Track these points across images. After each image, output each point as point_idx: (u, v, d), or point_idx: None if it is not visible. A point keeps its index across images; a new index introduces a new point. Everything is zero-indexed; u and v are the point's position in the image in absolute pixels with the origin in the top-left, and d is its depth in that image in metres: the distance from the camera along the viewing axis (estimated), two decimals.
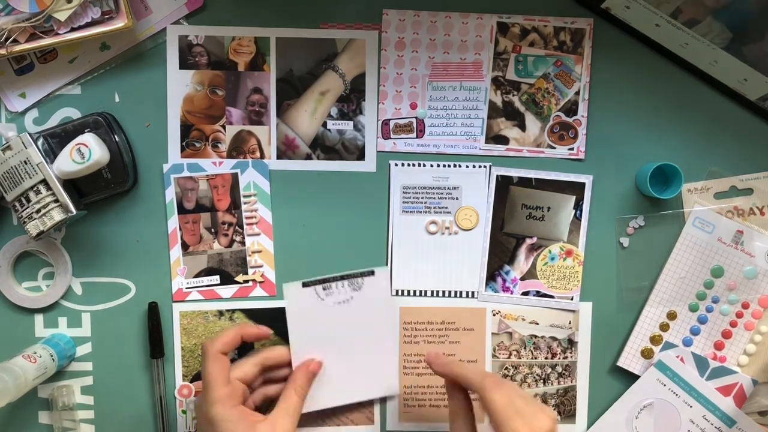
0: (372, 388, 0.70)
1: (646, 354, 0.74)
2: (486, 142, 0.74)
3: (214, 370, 0.62)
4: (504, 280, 0.74)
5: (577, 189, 0.74)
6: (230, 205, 0.73)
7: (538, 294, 0.74)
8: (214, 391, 0.62)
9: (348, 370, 0.69)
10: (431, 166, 0.74)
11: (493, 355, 0.74)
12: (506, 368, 0.74)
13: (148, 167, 0.73)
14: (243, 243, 0.73)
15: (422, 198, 0.74)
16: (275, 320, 0.73)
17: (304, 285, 0.67)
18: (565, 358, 0.75)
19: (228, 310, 0.74)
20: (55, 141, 0.68)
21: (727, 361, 0.73)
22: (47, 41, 0.68)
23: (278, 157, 0.73)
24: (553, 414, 0.58)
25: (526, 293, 0.74)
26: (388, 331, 0.70)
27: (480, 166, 0.74)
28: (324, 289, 0.67)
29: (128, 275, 0.74)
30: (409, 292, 0.74)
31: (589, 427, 0.75)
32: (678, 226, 0.74)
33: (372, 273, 0.68)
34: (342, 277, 0.68)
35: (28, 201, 0.67)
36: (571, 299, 0.74)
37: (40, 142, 0.67)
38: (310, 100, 0.73)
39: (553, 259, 0.74)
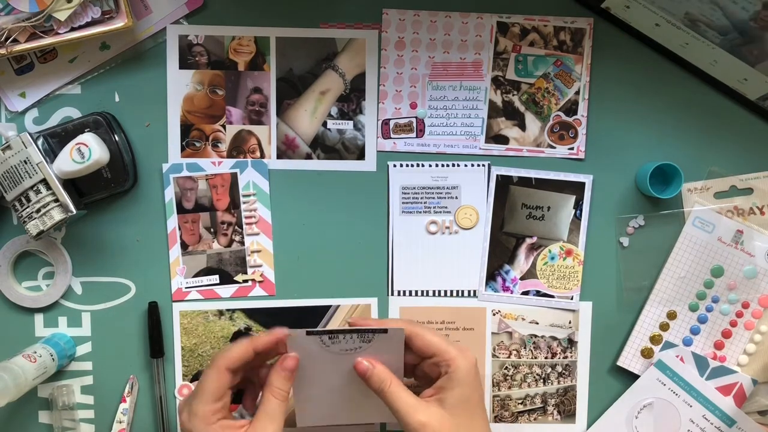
0: (371, 417, 0.67)
1: (646, 353, 0.74)
2: (486, 142, 0.74)
3: (211, 384, 0.60)
4: (504, 280, 0.74)
5: (577, 189, 0.74)
6: (229, 205, 0.73)
7: (538, 294, 0.74)
8: (201, 404, 0.59)
9: (348, 406, 0.66)
10: (429, 166, 0.74)
11: (493, 355, 0.74)
12: (506, 368, 0.74)
13: (148, 167, 0.73)
14: (242, 243, 0.73)
15: (421, 198, 0.74)
16: (275, 320, 0.74)
17: (309, 333, 0.61)
18: (565, 357, 0.75)
19: (228, 310, 0.74)
20: (55, 141, 0.68)
21: (727, 360, 0.73)
22: (47, 41, 0.68)
23: (278, 157, 0.73)
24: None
25: (526, 293, 0.74)
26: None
27: (478, 165, 0.74)
28: (330, 338, 0.62)
29: (128, 275, 0.74)
30: (409, 292, 0.74)
31: (589, 426, 0.75)
32: (678, 226, 0.74)
33: (385, 331, 0.62)
34: (351, 331, 0.62)
35: (28, 200, 0.67)
36: (571, 299, 0.74)
37: (40, 142, 0.67)
38: (310, 99, 0.73)
39: (553, 258, 0.74)
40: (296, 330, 0.61)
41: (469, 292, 0.75)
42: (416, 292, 0.74)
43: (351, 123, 0.74)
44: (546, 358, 0.74)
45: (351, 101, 0.73)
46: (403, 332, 0.62)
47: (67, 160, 0.66)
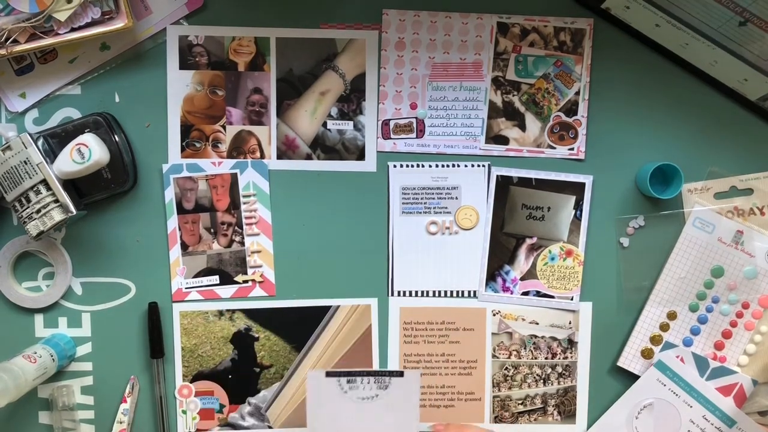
0: None
1: (646, 354, 0.74)
2: (486, 142, 0.74)
3: None
4: (504, 280, 0.74)
5: (577, 189, 0.74)
6: (229, 205, 0.73)
7: (538, 294, 0.74)
8: None
9: None
10: (429, 166, 0.74)
11: (493, 355, 0.74)
12: (506, 368, 0.74)
13: (148, 167, 0.73)
14: (242, 243, 0.73)
15: (422, 198, 0.74)
16: (274, 320, 0.74)
17: (328, 375, 0.65)
18: (565, 358, 0.75)
19: (228, 310, 0.74)
20: (55, 141, 0.68)
21: (727, 361, 0.73)
22: (47, 41, 0.68)
23: (278, 157, 0.73)
24: None
25: (526, 293, 0.74)
26: None
27: (478, 165, 0.74)
28: (348, 381, 0.64)
29: (128, 275, 0.74)
30: (409, 292, 0.74)
31: (589, 427, 0.75)
32: (678, 226, 0.74)
33: (401, 374, 0.65)
34: (368, 373, 0.65)
35: (28, 201, 0.67)
36: (571, 299, 0.74)
37: (40, 143, 0.67)
38: (310, 100, 0.73)
39: (553, 259, 0.74)
40: (316, 370, 0.61)
41: (469, 292, 0.74)
42: (416, 292, 0.74)
43: (351, 123, 0.74)
44: (546, 358, 0.74)
45: (351, 102, 0.73)
46: (418, 375, 0.63)
47: (67, 160, 0.66)
